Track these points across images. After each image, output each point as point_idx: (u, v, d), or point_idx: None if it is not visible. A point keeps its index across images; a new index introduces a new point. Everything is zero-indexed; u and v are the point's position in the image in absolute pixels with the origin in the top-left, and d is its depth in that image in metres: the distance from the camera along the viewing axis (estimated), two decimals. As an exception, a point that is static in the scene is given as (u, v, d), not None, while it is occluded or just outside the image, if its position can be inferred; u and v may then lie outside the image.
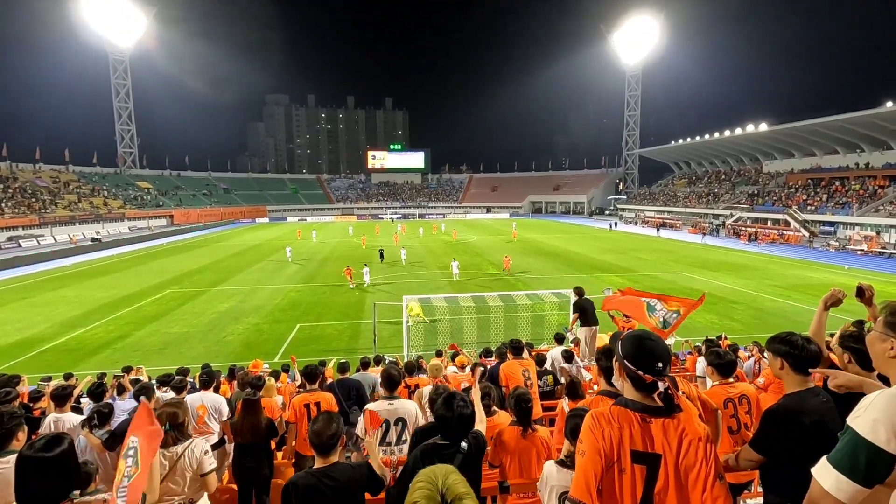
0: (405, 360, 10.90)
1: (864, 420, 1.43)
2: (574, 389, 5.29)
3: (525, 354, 6.31)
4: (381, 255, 30.59)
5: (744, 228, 46.91)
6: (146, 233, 53.34)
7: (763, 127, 53.02)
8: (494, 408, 4.27)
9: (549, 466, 2.78)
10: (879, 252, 33.71)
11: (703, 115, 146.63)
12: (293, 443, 4.80)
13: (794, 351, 2.31)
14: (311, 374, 5.27)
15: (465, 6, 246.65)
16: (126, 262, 34.37)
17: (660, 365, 1.80)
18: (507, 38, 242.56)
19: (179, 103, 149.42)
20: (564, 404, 4.63)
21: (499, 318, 16.00)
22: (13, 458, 2.61)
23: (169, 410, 3.20)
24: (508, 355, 6.11)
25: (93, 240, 45.15)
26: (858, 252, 34.58)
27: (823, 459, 1.51)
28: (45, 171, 58.99)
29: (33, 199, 50.07)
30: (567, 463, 2.67)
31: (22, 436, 2.85)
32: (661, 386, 1.79)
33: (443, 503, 1.50)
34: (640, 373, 1.80)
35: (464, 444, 2.57)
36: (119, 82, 72.84)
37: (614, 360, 1.97)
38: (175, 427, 3.14)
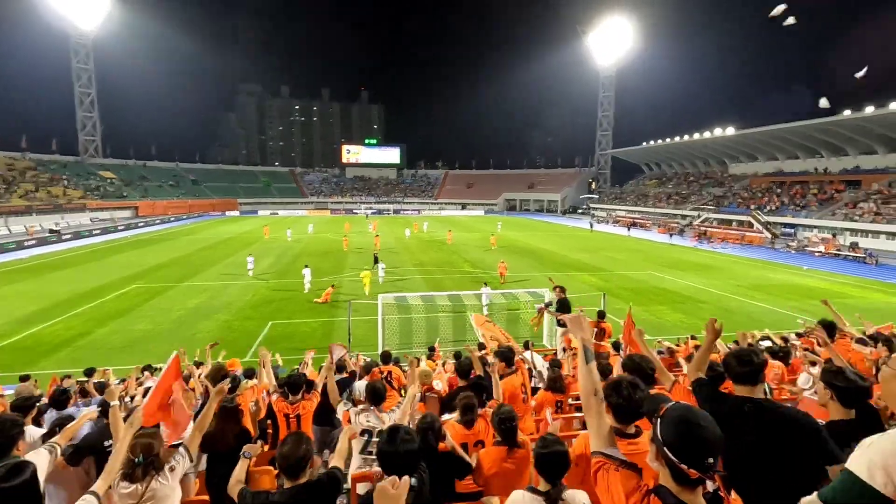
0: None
1: (862, 461, 1.43)
2: (555, 384, 5.34)
3: (524, 355, 6.21)
4: (376, 261, 25.90)
5: (707, 229, 48.43)
6: (109, 224, 51.27)
7: (730, 131, 55.13)
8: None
9: (517, 496, 2.53)
10: (835, 254, 35.34)
11: (673, 118, 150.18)
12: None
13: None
14: (294, 385, 5.10)
15: (444, 2, 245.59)
16: (87, 255, 32.97)
17: (710, 461, 1.50)
18: (485, 36, 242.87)
19: (146, 90, 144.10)
20: (548, 414, 4.64)
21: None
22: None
23: (143, 442, 2.94)
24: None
25: (51, 231, 43.09)
26: (816, 254, 36.16)
27: (814, 495, 1.53)
28: (0, 157, 55.93)
29: (-14, 188, 47.43)
30: (539, 490, 2.49)
31: (23, 446, 2.72)
32: (710, 486, 1.55)
33: None
34: (685, 467, 1.51)
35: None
36: (81, 66, 69.51)
37: (649, 439, 1.68)
38: (148, 459, 2.89)
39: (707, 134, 58.55)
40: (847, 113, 40.38)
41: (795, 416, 2.29)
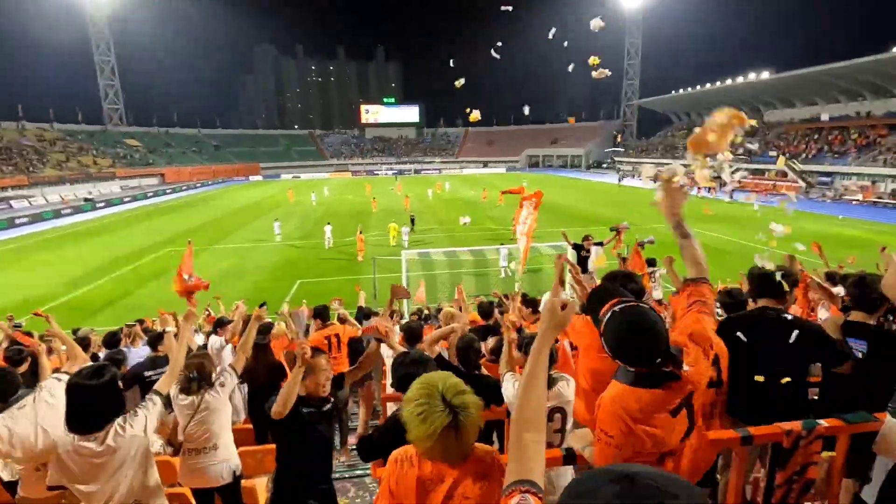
0: (406, 314, 11.18)
1: None
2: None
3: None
4: (413, 223, 25.57)
5: (740, 180, 46.70)
6: (138, 192, 52.69)
7: (765, 75, 51.84)
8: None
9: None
10: (874, 201, 33.87)
11: (704, 63, 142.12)
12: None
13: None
14: (322, 314, 5.79)
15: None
16: (121, 221, 34.21)
17: (658, 361, 1.57)
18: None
19: (164, 56, 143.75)
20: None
21: (497, 271, 16.23)
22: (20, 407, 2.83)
23: (196, 361, 3.33)
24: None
25: (85, 200, 44.64)
26: (853, 202, 34.72)
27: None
28: (30, 129, 57.39)
29: (20, 159, 49.04)
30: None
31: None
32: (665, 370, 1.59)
33: (443, 401, 1.55)
34: (632, 369, 1.62)
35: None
36: (99, 34, 69.58)
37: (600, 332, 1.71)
38: (201, 376, 3.28)
39: (740, 79, 55.43)
40: (896, 50, 37.43)
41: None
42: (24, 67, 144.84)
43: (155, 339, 4.71)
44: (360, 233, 20.86)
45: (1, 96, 70.38)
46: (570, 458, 2.06)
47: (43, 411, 2.84)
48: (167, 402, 2.87)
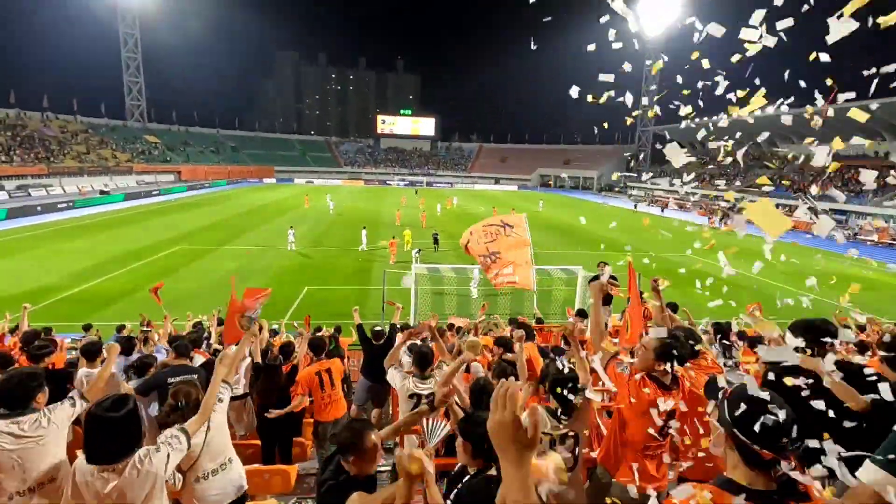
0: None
1: None
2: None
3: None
4: (436, 241, 24.76)
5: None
6: (153, 188, 53.35)
7: (784, 109, 51.79)
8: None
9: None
10: (889, 243, 33.45)
11: (724, 92, 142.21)
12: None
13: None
14: (317, 347, 5.51)
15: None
16: (136, 216, 34.58)
17: (785, 440, 1.46)
18: (524, 3, 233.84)
19: (188, 56, 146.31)
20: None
21: (505, 291, 16.10)
22: (33, 416, 2.76)
23: (184, 390, 3.25)
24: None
25: (101, 192, 45.24)
26: (868, 242, 34.31)
27: (867, 464, 1.62)
28: (54, 120, 58.55)
29: (41, 149, 49.92)
30: None
31: (42, 398, 2.91)
32: (785, 466, 1.48)
33: None
34: (757, 447, 1.47)
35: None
36: (127, 32, 71.20)
37: (716, 418, 1.64)
38: (189, 406, 3.16)
39: (759, 112, 55.26)
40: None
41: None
42: (51, 59, 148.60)
43: (182, 349, 4.65)
44: (393, 238, 22.81)
45: (28, 86, 71.63)
46: None
47: (40, 433, 2.76)
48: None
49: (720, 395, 1.66)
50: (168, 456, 2.51)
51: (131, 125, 71.58)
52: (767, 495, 1.46)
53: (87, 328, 8.89)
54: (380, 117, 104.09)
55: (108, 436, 2.34)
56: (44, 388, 2.93)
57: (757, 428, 1.46)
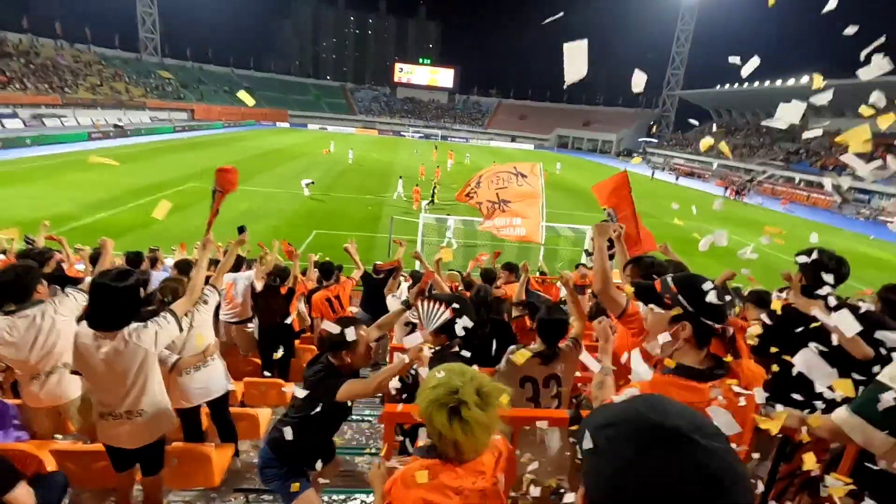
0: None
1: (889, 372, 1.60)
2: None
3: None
4: (433, 195, 23.60)
5: (774, 186, 45.30)
6: (167, 125, 53.02)
7: (819, 81, 49.30)
8: None
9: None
10: (910, 226, 32.63)
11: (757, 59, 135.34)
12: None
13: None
14: (327, 271, 5.62)
15: None
16: (149, 151, 34.59)
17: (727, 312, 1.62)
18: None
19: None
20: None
21: (512, 246, 16.11)
22: (38, 308, 2.96)
23: (171, 285, 3.46)
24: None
25: (115, 126, 45.09)
26: (888, 223, 33.49)
27: (844, 408, 1.69)
28: (67, 49, 57.61)
29: (55, 78, 49.43)
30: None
31: (42, 289, 3.14)
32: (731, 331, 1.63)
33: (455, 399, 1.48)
34: (710, 322, 1.57)
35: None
36: (141, -41, 68.77)
37: (669, 310, 1.64)
38: (175, 299, 3.24)
39: (792, 82, 52.97)
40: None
41: None
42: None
43: (183, 266, 4.78)
44: (417, 186, 24.03)
45: (40, 12, 70.00)
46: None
47: (49, 324, 2.98)
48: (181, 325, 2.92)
49: (664, 286, 1.68)
50: (156, 334, 2.63)
51: (145, 59, 70.30)
52: (709, 371, 1.56)
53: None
54: (398, 65, 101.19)
55: (108, 304, 2.49)
56: (40, 279, 3.15)
57: (711, 301, 1.54)
